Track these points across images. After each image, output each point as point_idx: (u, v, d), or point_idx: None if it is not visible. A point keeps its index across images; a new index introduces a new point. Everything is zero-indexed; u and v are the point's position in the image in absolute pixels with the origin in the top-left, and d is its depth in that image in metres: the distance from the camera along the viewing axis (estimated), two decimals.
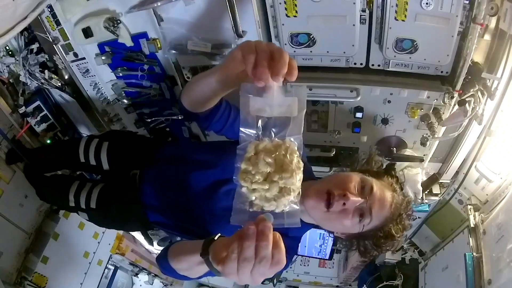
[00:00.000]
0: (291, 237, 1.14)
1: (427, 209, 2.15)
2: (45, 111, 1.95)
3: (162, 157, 1.36)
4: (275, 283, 3.08)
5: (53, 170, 1.81)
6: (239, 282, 0.73)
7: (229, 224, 0.69)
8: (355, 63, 1.42)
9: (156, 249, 2.66)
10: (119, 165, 1.43)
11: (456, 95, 1.39)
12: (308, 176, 0.91)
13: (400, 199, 1.12)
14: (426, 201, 1.91)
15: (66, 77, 1.76)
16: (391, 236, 1.09)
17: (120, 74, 1.67)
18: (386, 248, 1.14)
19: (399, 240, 1.12)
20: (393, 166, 1.27)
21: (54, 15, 1.49)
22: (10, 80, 1.86)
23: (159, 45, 1.50)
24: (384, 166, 1.18)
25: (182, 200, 1.20)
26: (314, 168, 1.91)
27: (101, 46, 1.58)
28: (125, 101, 1.79)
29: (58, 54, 1.64)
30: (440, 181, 1.90)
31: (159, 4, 1.28)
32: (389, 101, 1.49)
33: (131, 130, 1.92)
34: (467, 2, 1.16)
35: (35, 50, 1.73)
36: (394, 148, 1.66)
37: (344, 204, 1.00)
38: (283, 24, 1.32)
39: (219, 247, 0.74)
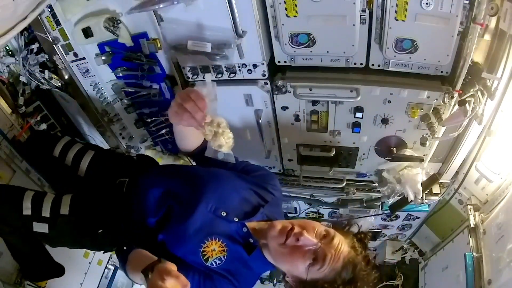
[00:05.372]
0: (255, 272, 1.17)
1: (427, 209, 2.15)
2: (45, 111, 1.95)
3: (156, 169, 1.42)
4: (275, 283, 3.07)
5: None
6: None
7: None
8: (355, 63, 1.42)
9: None
10: (101, 174, 1.39)
11: (456, 95, 1.39)
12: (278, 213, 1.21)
13: (360, 261, 1.09)
14: (426, 201, 1.90)
15: (66, 77, 1.76)
16: None
17: (120, 74, 1.67)
18: None
19: None
20: (366, 236, 1.21)
21: (54, 15, 1.49)
22: (10, 80, 1.87)
23: (159, 45, 1.50)
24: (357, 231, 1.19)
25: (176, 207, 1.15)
26: (313, 168, 1.92)
27: (101, 46, 1.58)
28: (125, 101, 1.79)
29: (58, 54, 1.64)
30: (440, 181, 1.90)
31: (161, 6, 1.28)
32: (389, 101, 1.49)
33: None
34: (467, 2, 1.16)
35: (35, 50, 1.73)
36: (394, 148, 1.66)
37: (297, 240, 1.04)
38: (283, 24, 1.32)
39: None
